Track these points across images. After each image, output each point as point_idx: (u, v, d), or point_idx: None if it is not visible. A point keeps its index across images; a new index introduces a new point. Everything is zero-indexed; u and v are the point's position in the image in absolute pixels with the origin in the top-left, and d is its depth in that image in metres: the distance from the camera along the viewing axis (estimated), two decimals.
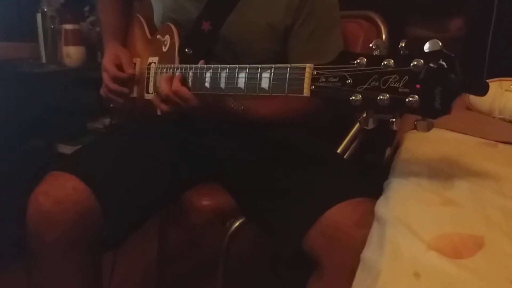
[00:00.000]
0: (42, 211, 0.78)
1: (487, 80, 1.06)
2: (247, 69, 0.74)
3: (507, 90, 1.01)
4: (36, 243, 0.80)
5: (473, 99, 1.07)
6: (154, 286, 1.51)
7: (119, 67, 1.05)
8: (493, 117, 1.03)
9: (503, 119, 1.02)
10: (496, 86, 1.02)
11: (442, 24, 1.52)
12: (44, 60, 1.59)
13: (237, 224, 0.96)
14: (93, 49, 1.64)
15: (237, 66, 0.76)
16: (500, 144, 0.84)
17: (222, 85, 0.78)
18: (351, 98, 0.59)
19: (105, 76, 1.05)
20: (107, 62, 1.04)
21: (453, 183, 0.64)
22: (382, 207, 0.64)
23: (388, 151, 1.05)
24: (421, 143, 0.84)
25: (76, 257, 0.83)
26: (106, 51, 1.08)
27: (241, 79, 0.75)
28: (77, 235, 0.80)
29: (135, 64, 1.09)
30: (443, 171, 0.68)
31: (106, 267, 0.97)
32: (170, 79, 0.85)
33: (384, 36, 1.15)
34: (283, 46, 0.96)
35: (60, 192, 0.79)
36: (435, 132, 0.59)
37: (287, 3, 0.92)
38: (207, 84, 0.81)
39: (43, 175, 0.83)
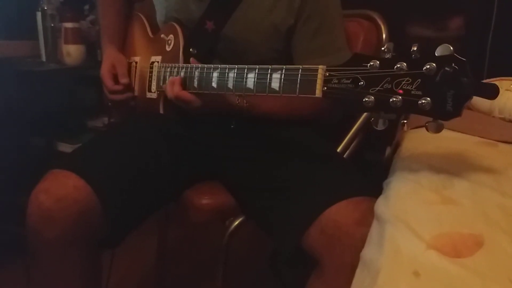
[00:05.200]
0: (42, 209, 0.78)
1: (487, 80, 1.07)
2: (257, 70, 0.75)
3: (507, 90, 1.01)
4: (36, 241, 0.80)
5: (474, 98, 1.07)
6: (153, 285, 1.51)
7: (116, 77, 1.07)
8: (493, 116, 1.03)
9: (503, 119, 1.02)
10: None
11: (442, 23, 1.52)
12: (44, 58, 1.59)
13: (236, 222, 0.96)
14: (93, 48, 1.64)
15: (246, 66, 0.76)
16: (500, 144, 0.84)
17: (230, 85, 0.79)
18: (364, 100, 0.60)
19: (104, 89, 1.08)
20: (104, 74, 1.07)
21: (453, 182, 0.64)
22: (382, 206, 0.64)
23: (388, 150, 1.05)
24: (421, 142, 0.84)
25: (76, 255, 0.83)
26: (103, 59, 1.11)
27: (250, 79, 0.76)
28: (77, 233, 0.80)
29: (136, 62, 1.10)
30: (443, 170, 0.68)
31: (105, 265, 0.97)
32: (173, 82, 0.88)
33: (384, 35, 1.15)
34: (286, 45, 0.96)
35: (61, 190, 0.79)
36: (438, 133, 0.59)
37: (288, 2, 0.92)
38: (214, 84, 0.82)
39: (43, 173, 0.83)
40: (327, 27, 0.94)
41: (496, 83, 1.04)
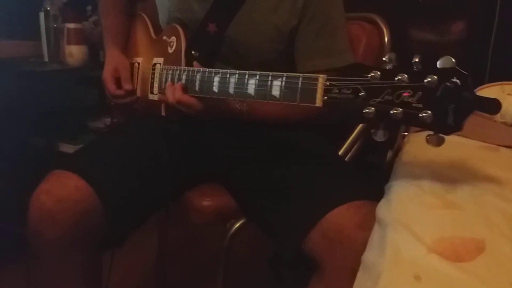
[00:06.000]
0: (43, 210, 0.78)
1: (489, 84, 1.07)
2: (257, 76, 0.75)
3: (508, 94, 1.01)
4: (37, 242, 0.80)
5: None
6: (153, 285, 1.51)
7: (119, 81, 1.06)
8: (495, 121, 1.03)
9: (505, 123, 1.01)
10: (497, 90, 1.02)
11: (444, 27, 1.52)
12: (46, 58, 1.59)
13: (237, 225, 0.96)
14: (95, 48, 1.64)
15: (247, 72, 0.76)
16: (501, 148, 0.84)
17: (231, 90, 0.79)
18: (364, 111, 0.60)
19: (107, 91, 1.08)
20: (107, 78, 1.06)
21: (455, 187, 0.64)
22: (383, 209, 0.64)
23: (390, 154, 1.05)
24: (423, 146, 0.83)
25: (77, 255, 0.83)
26: (106, 61, 1.10)
27: (251, 86, 0.76)
28: (78, 233, 0.80)
29: (138, 63, 1.10)
30: (445, 175, 0.68)
31: (105, 266, 0.97)
32: (174, 88, 0.87)
33: (386, 38, 1.16)
34: (289, 46, 0.96)
35: (62, 190, 0.79)
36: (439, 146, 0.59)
37: (291, 3, 0.92)
38: (215, 89, 0.82)
39: (45, 173, 0.83)
40: (330, 28, 0.94)
41: (498, 87, 1.04)
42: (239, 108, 0.91)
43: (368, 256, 0.57)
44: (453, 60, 0.55)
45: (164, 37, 1.00)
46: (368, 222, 0.68)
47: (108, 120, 1.28)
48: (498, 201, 0.60)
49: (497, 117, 1.02)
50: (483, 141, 0.87)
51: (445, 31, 1.52)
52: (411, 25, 1.54)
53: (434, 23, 1.52)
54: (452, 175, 0.68)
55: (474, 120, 1.03)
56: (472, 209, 0.58)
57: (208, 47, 0.96)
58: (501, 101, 1.04)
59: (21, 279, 0.99)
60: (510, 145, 0.85)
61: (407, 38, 1.53)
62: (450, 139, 0.87)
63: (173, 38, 0.97)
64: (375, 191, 0.75)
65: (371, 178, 0.85)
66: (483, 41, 1.44)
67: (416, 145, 0.86)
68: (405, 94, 0.57)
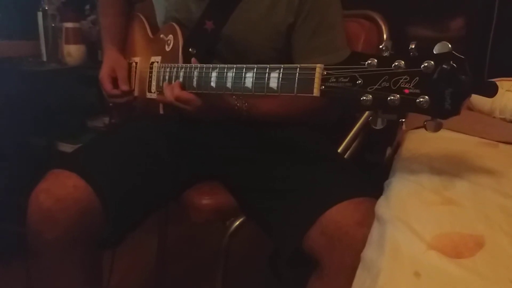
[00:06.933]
0: (42, 209, 0.78)
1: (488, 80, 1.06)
2: (255, 69, 0.75)
3: (507, 90, 1.01)
4: (37, 241, 0.80)
5: (474, 99, 1.07)
6: (153, 285, 1.51)
7: (116, 81, 1.06)
8: (494, 117, 1.03)
9: (504, 119, 1.02)
10: None
11: (443, 23, 1.52)
12: (44, 58, 1.59)
13: (237, 223, 0.96)
14: (94, 48, 1.64)
15: (244, 66, 0.76)
16: (500, 144, 0.84)
17: (229, 84, 0.79)
18: (361, 98, 0.60)
19: (103, 91, 1.08)
20: (103, 78, 1.07)
21: (454, 183, 0.64)
22: (383, 206, 0.63)
23: (389, 151, 1.05)
24: (422, 142, 0.84)
25: (76, 255, 0.83)
26: (104, 61, 1.10)
27: (249, 79, 0.75)
28: (78, 233, 0.80)
29: (136, 63, 1.10)
30: (444, 171, 0.68)
31: (105, 265, 0.97)
32: (172, 86, 0.87)
33: (385, 36, 1.15)
34: (286, 44, 0.96)
35: (61, 190, 0.79)
36: (436, 132, 0.59)
37: (288, 0, 0.92)
38: (212, 84, 0.81)
39: (44, 173, 0.83)
40: (326, 26, 0.94)
41: (497, 83, 1.04)
42: (238, 105, 0.91)
43: (368, 253, 0.57)
44: (449, 45, 0.55)
45: (161, 36, 1.00)
46: (367, 219, 0.68)
47: (107, 119, 1.28)
48: (497, 197, 0.60)
49: (497, 113, 1.02)
50: (482, 137, 0.87)
51: (444, 28, 1.52)
52: (410, 23, 1.54)
53: (433, 20, 1.52)
54: (451, 172, 0.67)
55: (473, 116, 1.04)
56: (471, 205, 0.58)
57: (205, 44, 0.96)
58: (500, 97, 1.04)
59: (21, 278, 0.99)
60: (509, 141, 0.85)
61: (406, 35, 1.53)
62: (450, 135, 0.88)
63: (170, 36, 0.97)
64: (374, 188, 0.75)
65: (370, 175, 0.85)
66: (482, 38, 1.44)
67: (415, 142, 0.86)
68: (402, 80, 0.57)
